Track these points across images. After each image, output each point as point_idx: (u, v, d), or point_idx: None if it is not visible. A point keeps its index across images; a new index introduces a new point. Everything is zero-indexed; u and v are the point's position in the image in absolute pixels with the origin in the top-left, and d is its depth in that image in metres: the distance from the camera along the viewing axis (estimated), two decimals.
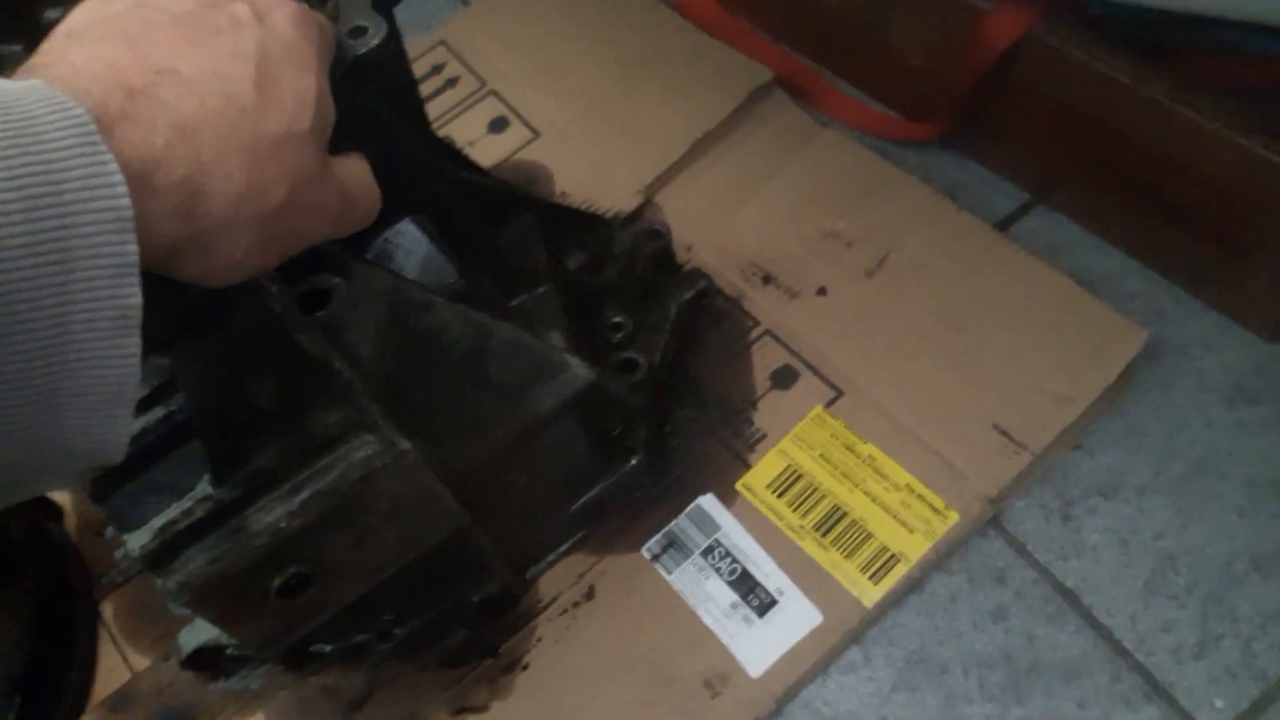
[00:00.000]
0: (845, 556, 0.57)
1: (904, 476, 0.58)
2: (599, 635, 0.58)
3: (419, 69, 0.83)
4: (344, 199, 0.38)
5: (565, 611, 0.59)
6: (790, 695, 0.55)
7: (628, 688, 0.56)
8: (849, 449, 0.60)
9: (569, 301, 0.58)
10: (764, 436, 0.62)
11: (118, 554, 0.65)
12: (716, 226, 0.70)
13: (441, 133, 0.79)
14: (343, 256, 0.44)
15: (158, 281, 0.31)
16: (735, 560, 0.58)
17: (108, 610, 0.64)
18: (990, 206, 0.70)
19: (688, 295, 0.65)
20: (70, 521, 0.67)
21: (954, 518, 0.57)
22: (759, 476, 0.60)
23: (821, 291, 0.66)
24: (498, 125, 0.79)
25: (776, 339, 0.65)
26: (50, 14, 0.40)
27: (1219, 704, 0.52)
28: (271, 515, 0.43)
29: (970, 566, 0.57)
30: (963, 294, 0.63)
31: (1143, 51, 0.59)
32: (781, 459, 0.60)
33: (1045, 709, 0.53)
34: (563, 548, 0.60)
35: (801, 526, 0.58)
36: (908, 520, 0.57)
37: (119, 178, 0.27)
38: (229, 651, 0.54)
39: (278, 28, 0.35)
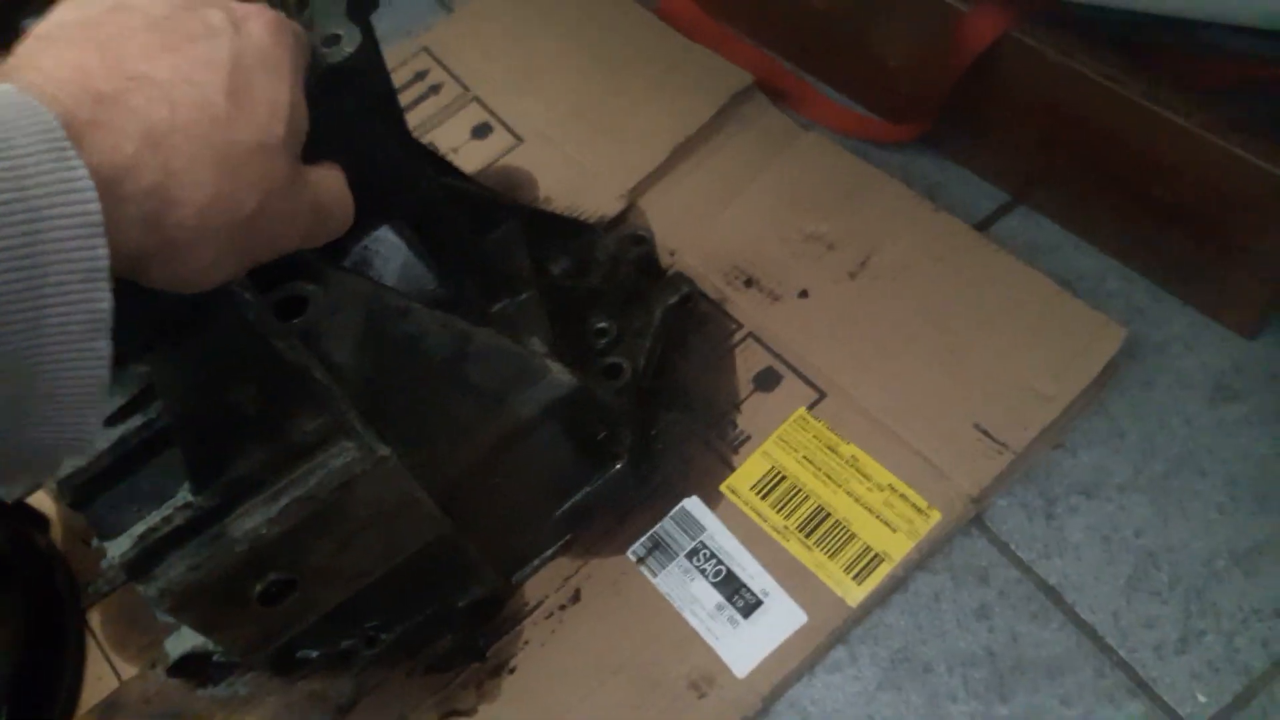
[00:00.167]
0: (829, 557, 0.57)
1: (886, 477, 0.59)
2: (585, 638, 0.58)
3: (401, 76, 0.83)
4: (316, 209, 0.39)
5: (552, 615, 0.59)
6: (776, 695, 0.56)
7: (614, 690, 0.56)
8: (832, 450, 0.60)
9: (553, 307, 0.58)
10: (748, 439, 0.62)
11: (104, 563, 0.65)
12: (699, 230, 0.71)
13: (424, 139, 0.79)
14: (319, 264, 0.44)
15: (130, 286, 0.31)
16: (720, 562, 0.58)
17: (95, 619, 0.64)
18: (971, 207, 0.70)
19: (672, 300, 0.66)
20: (57, 531, 0.67)
21: (936, 517, 0.57)
22: (743, 478, 0.60)
23: (803, 294, 0.66)
24: (481, 131, 0.79)
25: (759, 342, 0.65)
26: (28, 22, 0.40)
27: (1202, 699, 0.52)
28: (251, 522, 0.43)
29: (953, 565, 0.58)
30: (944, 295, 0.64)
31: (1121, 52, 0.60)
32: (765, 461, 0.61)
33: (1029, 706, 0.54)
34: (548, 552, 0.61)
35: (786, 527, 0.58)
36: (891, 520, 0.57)
37: (88, 183, 0.28)
38: (215, 658, 0.54)
39: (253, 35, 0.35)
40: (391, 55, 0.47)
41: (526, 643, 0.58)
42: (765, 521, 0.59)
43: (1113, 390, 0.61)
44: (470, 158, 0.77)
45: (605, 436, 0.59)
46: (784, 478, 0.60)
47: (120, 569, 0.42)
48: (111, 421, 0.43)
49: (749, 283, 0.67)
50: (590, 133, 0.76)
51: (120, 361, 0.30)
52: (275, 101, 0.35)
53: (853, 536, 0.57)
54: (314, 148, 0.38)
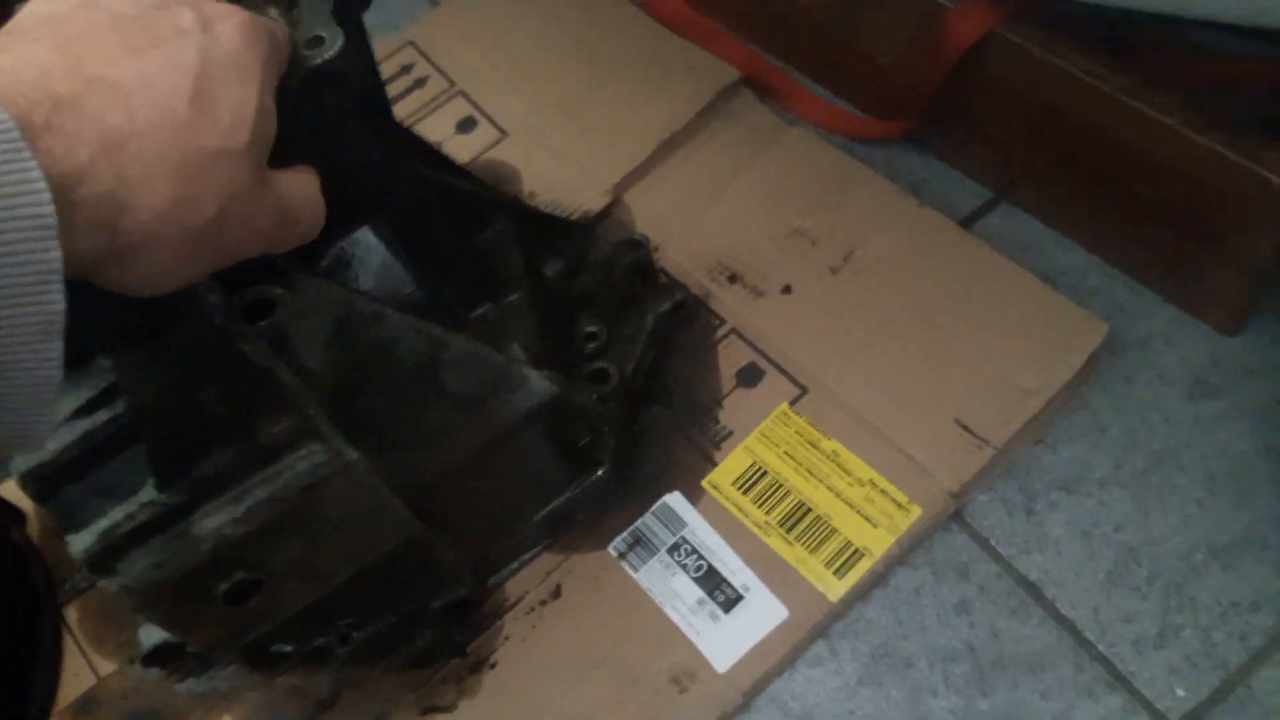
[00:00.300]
0: (810, 552, 0.57)
1: (867, 472, 0.59)
2: (566, 633, 0.58)
3: (387, 69, 0.83)
4: (282, 214, 0.38)
5: (532, 610, 0.59)
6: (757, 690, 0.56)
7: (595, 685, 0.56)
8: (813, 445, 0.60)
9: (543, 309, 0.57)
10: (730, 434, 0.62)
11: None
12: (684, 225, 0.70)
13: None
14: (287, 267, 0.43)
15: (90, 287, 0.31)
16: (701, 557, 0.58)
17: (72, 615, 0.64)
18: (955, 203, 0.70)
19: (665, 307, 0.65)
20: (33, 526, 0.66)
21: (917, 512, 0.57)
22: (725, 474, 0.60)
23: (786, 289, 0.66)
24: (466, 125, 0.79)
25: (742, 337, 0.65)
26: (19, 6, 0.39)
27: (1180, 693, 0.52)
28: (216, 521, 0.42)
29: (934, 561, 0.58)
30: (926, 290, 0.64)
31: (1105, 49, 0.60)
32: (747, 456, 0.61)
33: (1010, 701, 0.54)
34: (527, 555, 0.60)
35: (767, 523, 0.58)
36: (871, 515, 0.57)
37: (42, 184, 0.27)
38: (189, 648, 0.54)
39: (222, 38, 0.34)
40: (377, 49, 0.46)
41: (507, 638, 0.58)
42: (746, 517, 0.59)
43: (1093, 386, 0.61)
44: (455, 152, 0.77)
45: (588, 442, 0.59)
46: (765, 473, 0.60)
47: (81, 563, 0.42)
48: (78, 415, 0.42)
49: (733, 278, 0.67)
50: (575, 127, 0.76)
51: (83, 358, 0.30)
52: (241, 106, 0.34)
53: (833, 532, 0.57)
54: (291, 150, 0.37)
